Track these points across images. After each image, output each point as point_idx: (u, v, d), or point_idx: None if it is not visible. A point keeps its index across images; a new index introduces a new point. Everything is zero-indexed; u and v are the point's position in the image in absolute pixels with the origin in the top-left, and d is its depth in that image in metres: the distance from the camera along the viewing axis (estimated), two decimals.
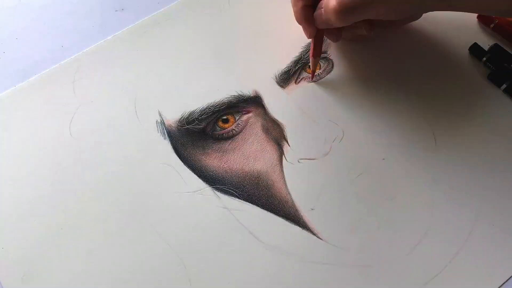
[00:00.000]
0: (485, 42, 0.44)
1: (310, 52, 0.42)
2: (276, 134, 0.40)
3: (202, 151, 0.39)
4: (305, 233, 0.36)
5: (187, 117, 0.41)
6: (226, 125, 0.40)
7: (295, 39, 0.45)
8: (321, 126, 0.40)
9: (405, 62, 0.43)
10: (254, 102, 0.42)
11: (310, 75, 0.43)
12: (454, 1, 0.37)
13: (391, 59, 0.44)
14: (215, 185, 0.38)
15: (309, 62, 0.43)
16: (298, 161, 0.39)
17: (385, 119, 0.41)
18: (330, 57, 0.44)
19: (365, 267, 0.35)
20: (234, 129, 0.40)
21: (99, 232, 0.36)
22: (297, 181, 0.38)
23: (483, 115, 0.41)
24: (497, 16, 0.45)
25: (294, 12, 0.40)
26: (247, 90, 0.42)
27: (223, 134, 0.40)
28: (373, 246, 0.35)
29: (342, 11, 0.36)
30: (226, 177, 0.38)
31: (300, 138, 0.40)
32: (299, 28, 0.46)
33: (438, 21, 0.45)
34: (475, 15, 0.45)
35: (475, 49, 0.43)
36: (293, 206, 0.37)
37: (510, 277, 0.34)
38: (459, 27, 0.45)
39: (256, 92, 0.42)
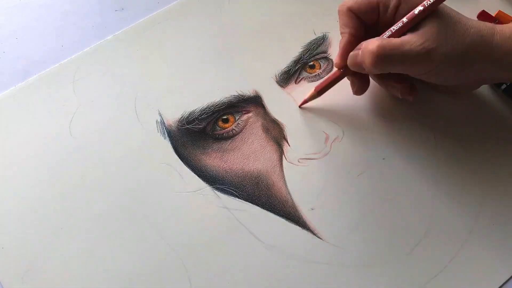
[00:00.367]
0: None
1: (317, 85, 0.40)
2: (276, 134, 0.40)
3: (202, 150, 0.39)
4: (305, 232, 0.36)
5: (187, 117, 0.41)
6: (226, 125, 0.40)
7: (295, 39, 0.45)
8: (321, 126, 0.40)
9: None
10: (254, 102, 0.42)
11: (301, 101, 0.41)
12: None
13: None
14: (215, 184, 0.38)
15: (309, 62, 0.43)
16: (298, 161, 0.39)
17: (385, 119, 0.41)
18: (330, 57, 0.44)
19: (365, 267, 0.35)
20: (234, 129, 0.40)
21: (99, 232, 0.36)
22: (297, 181, 0.38)
23: (483, 115, 0.41)
24: (497, 16, 0.45)
25: (341, 37, 0.38)
26: (247, 90, 0.42)
27: (223, 133, 0.40)
28: (373, 246, 0.35)
29: (380, 56, 0.34)
30: (226, 177, 0.38)
31: (300, 138, 0.40)
32: (299, 28, 0.46)
33: None
34: (475, 13, 0.45)
35: None
36: (293, 206, 0.37)
37: (510, 277, 0.34)
38: None
39: (256, 92, 0.42)
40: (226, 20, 0.47)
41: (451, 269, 0.34)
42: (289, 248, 0.35)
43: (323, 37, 0.45)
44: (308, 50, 0.44)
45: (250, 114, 0.41)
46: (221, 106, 0.41)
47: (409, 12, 0.35)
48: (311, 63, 0.44)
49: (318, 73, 0.43)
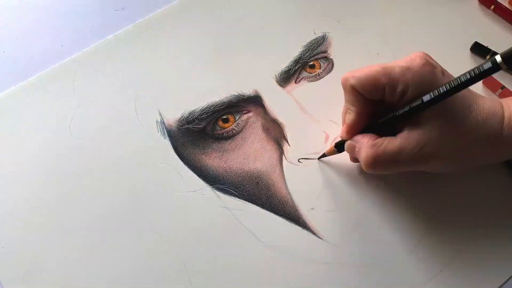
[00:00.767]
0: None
1: (336, 142, 0.37)
2: (276, 133, 0.40)
3: (202, 150, 0.39)
4: (305, 232, 0.36)
5: (187, 117, 0.41)
6: (226, 125, 0.40)
7: (295, 39, 0.45)
8: (321, 126, 0.40)
9: None
10: (254, 101, 0.42)
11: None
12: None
13: (391, 58, 0.44)
14: (215, 184, 0.38)
15: (309, 62, 0.43)
16: (298, 161, 0.39)
17: None
18: (330, 57, 0.44)
19: (365, 267, 0.35)
20: (234, 129, 0.40)
21: (99, 232, 0.36)
22: (297, 180, 0.38)
23: None
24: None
25: (345, 111, 0.36)
26: (247, 90, 0.42)
27: (223, 133, 0.40)
28: (373, 245, 0.35)
29: (375, 166, 0.32)
30: (226, 176, 0.38)
31: (300, 138, 0.40)
32: (299, 28, 0.46)
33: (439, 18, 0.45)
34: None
35: (477, 47, 0.43)
36: (293, 205, 0.37)
37: (510, 277, 0.34)
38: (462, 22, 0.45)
39: (256, 91, 0.42)
40: (226, 20, 0.47)
41: (450, 269, 0.34)
42: (289, 247, 0.35)
43: (323, 37, 0.45)
44: (308, 50, 0.44)
45: (250, 114, 0.41)
46: (221, 106, 0.41)
47: (415, 98, 0.31)
48: (311, 62, 0.44)
49: (318, 73, 0.43)
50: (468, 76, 0.29)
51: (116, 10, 0.48)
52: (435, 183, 0.38)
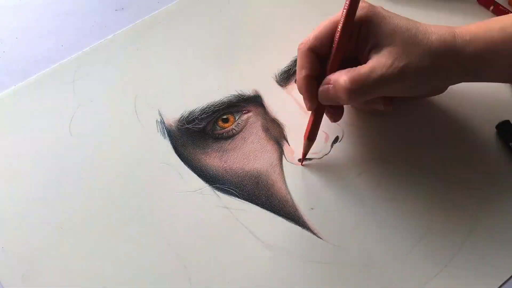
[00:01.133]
0: None
1: (305, 133, 0.37)
2: (276, 133, 0.40)
3: (202, 150, 0.39)
4: (305, 232, 0.36)
5: (187, 117, 0.41)
6: (226, 125, 0.40)
7: (295, 39, 0.45)
8: (321, 126, 0.40)
9: None
10: (254, 101, 0.42)
11: (300, 158, 0.38)
12: (484, 74, 0.35)
13: None
14: (215, 184, 0.38)
15: None
16: (298, 161, 0.39)
17: (385, 119, 0.41)
18: None
19: (365, 267, 0.35)
20: (234, 129, 0.40)
21: (99, 232, 0.36)
22: (297, 180, 0.38)
23: (484, 115, 0.41)
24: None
25: (297, 80, 0.37)
26: (247, 90, 0.42)
27: (223, 133, 0.40)
28: (373, 245, 0.35)
29: (354, 89, 0.33)
30: (226, 176, 0.38)
31: (300, 138, 0.40)
32: (299, 27, 0.46)
33: None
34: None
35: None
36: (293, 205, 0.37)
37: (510, 277, 0.34)
38: None
39: (256, 91, 0.42)
40: (226, 20, 0.47)
41: (450, 269, 0.34)
42: (289, 247, 0.35)
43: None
44: None
45: (250, 114, 0.41)
46: (221, 105, 0.41)
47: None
48: None
49: None
50: None
51: (116, 10, 0.48)
52: (435, 183, 0.38)
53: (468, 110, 0.41)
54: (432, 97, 0.41)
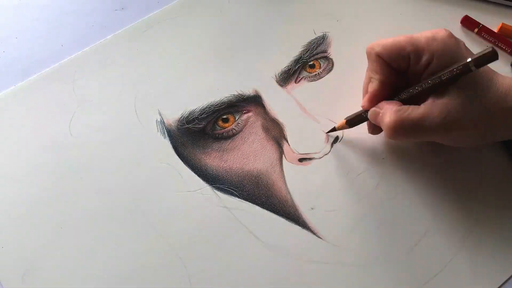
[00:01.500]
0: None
1: (348, 117, 0.38)
2: (276, 133, 0.40)
3: (202, 150, 0.39)
4: (304, 232, 0.36)
5: (187, 117, 0.41)
6: (226, 125, 0.40)
7: (295, 39, 0.45)
8: (321, 126, 0.40)
9: None
10: (254, 101, 0.42)
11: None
12: None
13: None
14: (215, 184, 0.38)
15: (309, 62, 0.43)
16: (298, 161, 0.39)
17: None
18: (330, 57, 0.44)
19: (365, 267, 0.35)
20: (234, 129, 0.40)
21: (99, 232, 0.36)
22: (297, 180, 0.38)
23: None
24: (501, 30, 0.44)
25: (369, 81, 0.37)
26: (247, 90, 0.42)
27: (223, 133, 0.40)
28: (372, 245, 0.35)
29: (397, 131, 0.33)
30: (226, 176, 0.38)
31: (300, 138, 0.40)
32: (299, 28, 0.46)
33: None
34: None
35: None
36: (293, 205, 0.37)
37: (510, 277, 0.34)
38: None
39: (256, 91, 0.42)
40: (226, 20, 0.47)
41: (450, 268, 0.34)
42: (288, 247, 0.35)
43: (323, 36, 0.45)
44: (308, 50, 0.44)
45: (250, 114, 0.41)
46: (221, 105, 0.41)
47: (439, 70, 0.33)
48: (311, 62, 0.44)
49: (318, 73, 0.43)
50: (491, 50, 0.30)
51: (116, 10, 0.48)
52: (435, 183, 0.38)
53: None
54: None
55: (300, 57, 0.44)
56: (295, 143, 0.40)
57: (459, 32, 0.45)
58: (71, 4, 0.49)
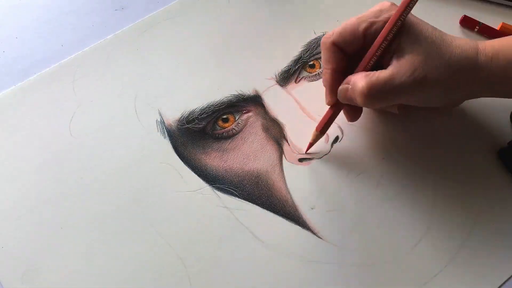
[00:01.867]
0: None
1: (318, 125, 0.38)
2: (276, 133, 0.40)
3: (202, 150, 0.39)
4: (305, 232, 0.36)
5: (187, 117, 0.41)
6: (226, 125, 0.40)
7: (295, 39, 0.45)
8: None
9: None
10: (254, 101, 0.42)
11: (306, 146, 0.39)
12: (505, 91, 0.35)
13: None
14: (215, 184, 0.38)
15: (309, 62, 0.43)
16: (298, 161, 0.39)
17: (385, 119, 0.41)
18: None
19: (365, 266, 0.35)
20: (234, 128, 0.40)
21: (99, 232, 0.36)
22: (297, 180, 0.38)
23: (485, 115, 0.41)
24: (501, 29, 0.44)
25: (322, 73, 0.38)
26: (247, 89, 0.42)
27: (223, 133, 0.40)
28: (372, 245, 0.35)
29: (370, 95, 0.33)
30: (226, 176, 0.38)
31: (300, 138, 0.40)
32: (299, 28, 0.46)
33: None
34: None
35: None
36: (293, 205, 0.37)
37: (510, 277, 0.34)
38: None
39: (256, 91, 0.42)
40: (226, 20, 0.47)
41: (450, 268, 0.34)
42: (289, 247, 0.35)
43: (323, 36, 0.45)
44: (308, 50, 0.44)
45: (250, 114, 0.41)
46: (221, 105, 0.41)
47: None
48: (311, 62, 0.44)
49: (318, 73, 0.43)
50: None
51: (116, 10, 0.48)
52: (435, 183, 0.38)
53: (470, 113, 0.41)
54: None
55: (300, 57, 0.44)
56: (295, 143, 0.40)
57: (459, 31, 0.45)
58: (71, 4, 0.49)
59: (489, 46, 0.34)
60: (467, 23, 0.45)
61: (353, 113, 0.38)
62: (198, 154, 0.39)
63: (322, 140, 0.40)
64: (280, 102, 0.41)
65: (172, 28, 0.46)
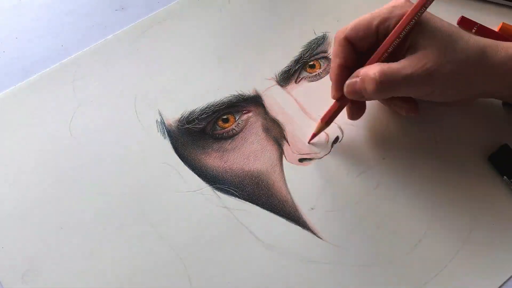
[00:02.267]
0: None
1: (322, 116, 0.38)
2: (276, 133, 0.40)
3: (202, 150, 0.39)
4: (305, 232, 0.36)
5: (187, 117, 0.41)
6: (226, 125, 0.40)
7: (295, 39, 0.45)
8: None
9: None
10: (254, 101, 0.42)
11: (310, 136, 0.39)
12: None
13: None
14: (215, 184, 0.38)
15: (309, 62, 0.43)
16: (298, 161, 0.39)
17: (385, 119, 0.41)
18: (330, 57, 0.44)
19: (365, 267, 0.35)
20: (234, 129, 0.40)
21: (99, 232, 0.36)
22: (297, 180, 0.38)
23: (485, 116, 0.41)
24: (501, 29, 0.44)
25: (330, 67, 0.38)
26: (247, 90, 0.42)
27: (223, 133, 0.40)
28: (372, 245, 0.35)
29: (382, 82, 0.33)
30: (226, 176, 0.38)
31: (300, 138, 0.40)
32: (299, 28, 0.46)
33: None
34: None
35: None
36: (293, 205, 0.37)
37: (510, 277, 0.34)
38: None
39: (256, 91, 0.42)
40: (226, 20, 0.47)
41: (450, 269, 0.34)
42: (289, 247, 0.35)
43: (323, 36, 0.45)
44: (308, 50, 0.44)
45: (250, 114, 0.41)
46: (221, 105, 0.41)
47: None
48: (311, 62, 0.44)
49: (318, 73, 0.43)
50: None
51: (116, 10, 0.48)
52: (435, 183, 0.38)
53: (469, 113, 0.41)
54: None
55: (300, 57, 0.44)
56: (295, 143, 0.40)
57: None
58: (71, 4, 0.49)
59: (510, 44, 0.34)
60: (465, 24, 0.45)
61: (356, 111, 0.38)
62: (198, 154, 0.39)
63: (322, 140, 0.40)
64: (280, 102, 0.41)
65: (172, 28, 0.46)
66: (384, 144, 0.40)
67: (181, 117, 0.41)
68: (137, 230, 0.36)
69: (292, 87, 0.42)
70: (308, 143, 0.39)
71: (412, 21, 0.34)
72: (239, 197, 0.37)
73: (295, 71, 0.43)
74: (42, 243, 0.36)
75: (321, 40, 0.45)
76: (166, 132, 0.40)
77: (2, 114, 0.42)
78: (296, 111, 0.41)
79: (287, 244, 0.36)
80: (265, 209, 0.37)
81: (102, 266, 0.35)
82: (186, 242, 0.36)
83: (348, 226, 0.36)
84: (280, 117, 0.41)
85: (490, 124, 0.40)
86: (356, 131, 0.40)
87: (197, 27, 0.46)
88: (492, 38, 0.43)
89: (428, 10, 0.34)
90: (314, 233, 0.36)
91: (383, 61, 0.35)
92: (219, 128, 0.40)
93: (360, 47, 0.36)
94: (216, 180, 0.38)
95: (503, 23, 0.45)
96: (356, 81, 0.35)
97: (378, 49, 0.35)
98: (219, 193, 0.38)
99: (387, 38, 0.35)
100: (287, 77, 0.43)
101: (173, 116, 0.41)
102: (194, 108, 0.41)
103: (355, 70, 0.36)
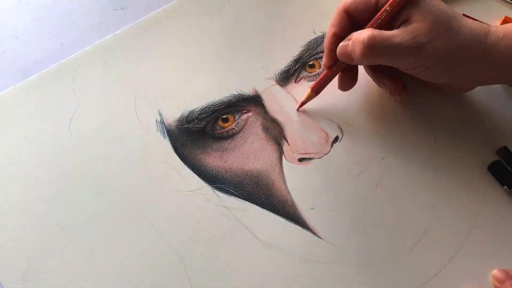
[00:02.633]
0: None
1: (312, 85, 0.40)
2: (275, 133, 0.40)
3: (202, 150, 0.39)
4: (304, 232, 0.36)
5: (187, 116, 0.41)
6: (226, 124, 0.40)
7: (295, 38, 0.45)
8: (321, 125, 0.40)
9: None
10: (253, 101, 0.42)
11: (299, 103, 0.40)
12: None
13: None
14: (215, 184, 0.38)
15: (309, 61, 0.43)
16: (298, 161, 0.39)
17: (385, 119, 0.41)
18: None
19: (364, 266, 0.35)
20: (234, 128, 0.40)
21: (99, 231, 0.36)
22: (296, 180, 0.38)
23: (485, 115, 0.41)
24: (504, 23, 0.45)
25: (325, 36, 0.39)
26: (247, 89, 0.42)
27: (222, 133, 0.40)
28: (372, 245, 0.35)
29: (369, 45, 0.34)
30: (226, 176, 0.38)
31: (300, 138, 0.40)
32: (299, 27, 0.46)
33: None
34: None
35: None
36: (293, 205, 0.37)
37: None
38: None
39: (255, 91, 0.42)
40: (226, 20, 0.47)
41: (450, 268, 0.34)
42: (288, 247, 0.35)
43: (323, 36, 0.45)
44: (308, 50, 0.44)
45: (250, 114, 0.41)
46: (221, 105, 0.41)
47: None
48: (311, 62, 0.44)
49: (318, 73, 0.43)
50: None
51: (116, 10, 0.48)
52: (435, 183, 0.38)
53: (469, 113, 0.41)
54: (433, 96, 0.41)
55: (300, 57, 0.44)
56: (295, 143, 0.39)
57: None
58: (71, 4, 0.49)
59: (501, 28, 0.35)
60: None
61: (347, 81, 0.39)
62: (198, 154, 0.39)
63: (322, 140, 0.40)
64: (280, 102, 0.41)
65: (172, 28, 0.46)
66: (384, 144, 0.39)
67: (181, 116, 0.41)
68: (137, 230, 0.36)
69: (292, 86, 0.42)
70: (297, 110, 0.40)
71: None
72: (238, 197, 0.37)
73: (295, 70, 0.43)
74: (41, 243, 0.36)
75: (321, 40, 0.45)
76: (165, 132, 0.40)
77: (2, 114, 0.42)
78: (296, 111, 0.41)
79: (287, 244, 0.35)
80: (264, 208, 0.37)
81: (102, 265, 0.35)
82: (185, 242, 0.36)
83: (347, 226, 0.36)
84: (279, 117, 0.41)
85: (490, 124, 0.40)
86: (356, 131, 0.40)
87: (197, 27, 0.46)
88: None
89: None
90: (314, 233, 0.36)
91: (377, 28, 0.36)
92: (219, 127, 0.40)
93: (359, 19, 0.37)
94: (216, 180, 0.38)
95: (505, 16, 0.45)
96: (348, 44, 0.36)
97: (374, 17, 0.36)
98: (218, 192, 0.38)
99: (384, 6, 0.35)
100: (286, 77, 0.43)
101: (172, 115, 0.41)
102: (194, 107, 0.41)
103: None
